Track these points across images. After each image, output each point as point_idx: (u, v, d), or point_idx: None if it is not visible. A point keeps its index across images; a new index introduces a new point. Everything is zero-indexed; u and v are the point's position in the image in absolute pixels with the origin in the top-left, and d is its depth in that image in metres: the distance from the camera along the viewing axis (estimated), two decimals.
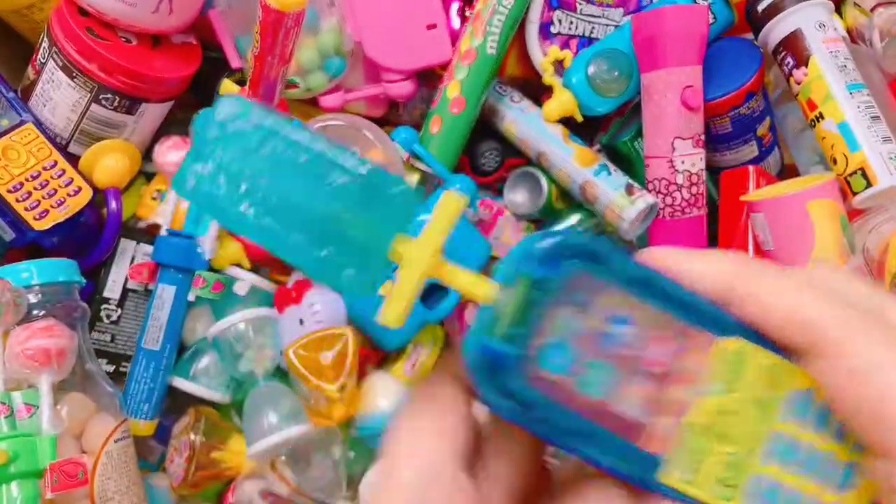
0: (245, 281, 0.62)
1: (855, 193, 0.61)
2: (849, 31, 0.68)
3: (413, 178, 0.64)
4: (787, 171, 0.72)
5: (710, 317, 0.23)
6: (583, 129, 0.66)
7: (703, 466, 0.22)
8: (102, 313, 0.61)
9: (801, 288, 0.22)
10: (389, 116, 0.69)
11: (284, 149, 0.24)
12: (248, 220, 0.24)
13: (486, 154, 0.69)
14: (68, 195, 0.58)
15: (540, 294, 0.22)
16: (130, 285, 0.62)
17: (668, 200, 0.63)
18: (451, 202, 0.24)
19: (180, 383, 0.61)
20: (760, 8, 0.64)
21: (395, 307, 0.25)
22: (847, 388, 0.21)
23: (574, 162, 0.64)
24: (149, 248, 0.62)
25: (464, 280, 0.24)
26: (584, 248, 0.22)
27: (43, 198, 0.57)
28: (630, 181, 0.63)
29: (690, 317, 0.23)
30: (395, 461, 0.25)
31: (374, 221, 0.24)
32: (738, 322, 0.23)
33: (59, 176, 0.58)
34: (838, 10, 0.69)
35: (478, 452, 0.24)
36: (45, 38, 0.59)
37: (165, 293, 0.60)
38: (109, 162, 0.60)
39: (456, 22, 0.66)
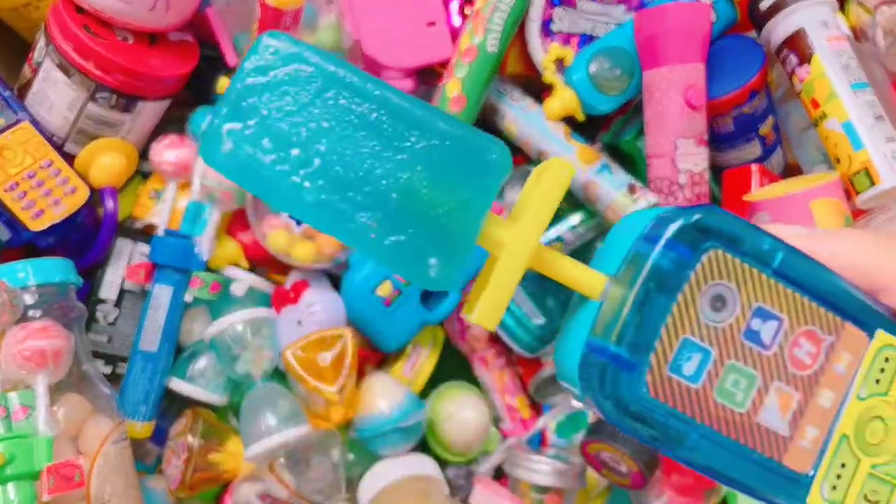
0: (242, 281, 0.62)
1: (858, 193, 0.60)
2: (852, 30, 0.68)
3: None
4: (790, 171, 0.72)
5: (859, 308, 0.19)
6: (585, 127, 0.66)
7: (853, 484, 0.18)
8: (99, 314, 0.60)
9: None
10: None
11: (350, 101, 0.18)
12: (303, 195, 0.19)
13: None
14: (65, 194, 0.57)
15: (665, 284, 0.18)
16: (127, 286, 0.61)
17: (671, 200, 0.62)
18: (558, 172, 0.20)
19: (177, 385, 0.60)
20: (763, 6, 0.64)
21: (491, 304, 0.19)
22: None
23: (576, 161, 0.63)
24: (145, 249, 0.61)
25: (571, 271, 0.19)
26: (721, 227, 0.18)
27: (39, 197, 0.56)
28: (632, 180, 0.63)
29: (840, 308, 0.19)
30: None
31: (460, 196, 0.19)
32: (887, 314, 0.19)
33: (56, 175, 0.58)
34: (842, 9, 0.68)
35: None
36: (42, 37, 0.59)
37: (162, 294, 0.60)
38: (106, 161, 0.60)
39: (456, 19, 0.66)
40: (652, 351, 0.18)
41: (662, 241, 0.18)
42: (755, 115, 0.66)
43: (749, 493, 0.18)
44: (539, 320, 0.64)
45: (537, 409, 0.69)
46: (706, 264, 0.18)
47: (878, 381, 0.18)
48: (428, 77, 0.66)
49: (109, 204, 0.60)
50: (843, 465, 0.18)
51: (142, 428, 0.59)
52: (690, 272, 0.18)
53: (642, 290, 0.18)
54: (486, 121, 0.67)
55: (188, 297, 0.60)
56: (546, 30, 0.64)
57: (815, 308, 0.18)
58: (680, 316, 0.18)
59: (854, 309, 0.19)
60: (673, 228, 0.18)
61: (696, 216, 0.18)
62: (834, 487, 0.18)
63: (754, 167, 0.64)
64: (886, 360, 0.18)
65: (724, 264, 0.18)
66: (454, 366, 0.68)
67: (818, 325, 0.18)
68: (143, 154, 0.63)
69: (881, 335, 0.19)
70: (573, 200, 0.67)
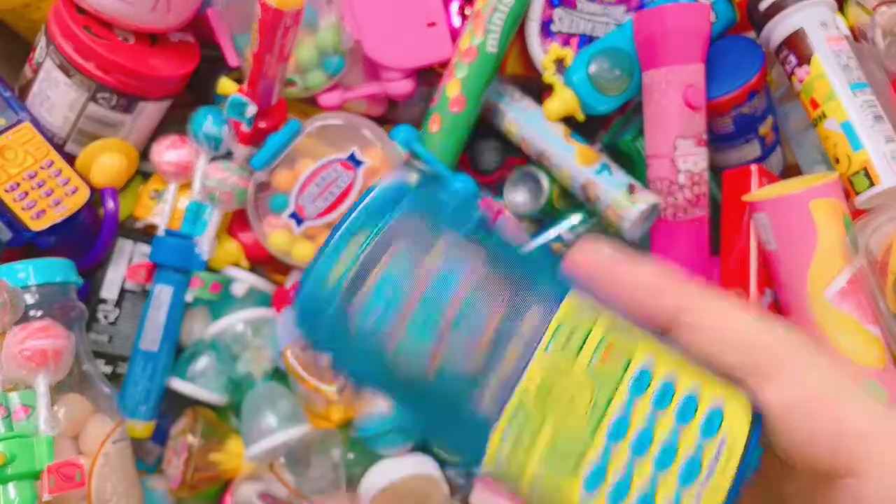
0: (243, 281, 0.62)
1: (857, 193, 0.60)
2: (852, 30, 0.68)
3: (412, 177, 0.64)
4: (790, 171, 0.72)
5: (549, 279, 0.21)
6: (584, 128, 0.66)
7: (538, 439, 0.19)
8: (100, 314, 0.60)
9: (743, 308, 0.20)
10: (389, 115, 0.69)
11: None
12: None
13: (487, 153, 0.68)
14: (65, 195, 0.58)
15: (379, 236, 0.20)
16: (128, 286, 0.61)
17: (670, 200, 0.62)
18: None
19: (178, 385, 0.60)
20: (763, 7, 0.64)
21: None
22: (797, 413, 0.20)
23: (575, 161, 0.63)
24: (146, 249, 0.61)
25: None
26: (422, 196, 0.21)
27: (40, 197, 0.57)
28: (632, 181, 0.63)
29: (529, 277, 0.21)
30: None
31: None
32: (575, 283, 0.21)
33: (57, 175, 0.58)
34: (841, 9, 0.68)
35: None
36: (43, 37, 0.59)
37: (163, 294, 0.60)
38: (107, 161, 0.60)
39: (456, 20, 0.66)
40: (355, 291, 0.20)
41: (374, 204, 0.21)
42: (755, 116, 0.66)
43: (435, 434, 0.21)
44: None
45: None
46: (406, 222, 0.21)
47: (562, 343, 0.20)
48: (428, 78, 0.66)
49: (110, 204, 0.60)
50: (529, 418, 0.19)
51: (142, 427, 0.59)
52: (393, 227, 0.20)
53: (357, 241, 0.21)
54: (487, 121, 0.67)
55: (189, 297, 0.60)
56: (546, 30, 0.65)
57: (498, 275, 0.20)
58: (385, 262, 0.20)
59: (542, 278, 0.21)
60: (381, 191, 0.21)
61: (398, 185, 0.21)
62: (517, 441, 0.19)
63: (754, 167, 0.64)
64: (571, 322, 0.20)
65: (423, 224, 0.21)
66: None
67: (502, 289, 0.20)
68: (144, 154, 0.63)
69: (569, 298, 0.20)
70: (573, 200, 0.67)
